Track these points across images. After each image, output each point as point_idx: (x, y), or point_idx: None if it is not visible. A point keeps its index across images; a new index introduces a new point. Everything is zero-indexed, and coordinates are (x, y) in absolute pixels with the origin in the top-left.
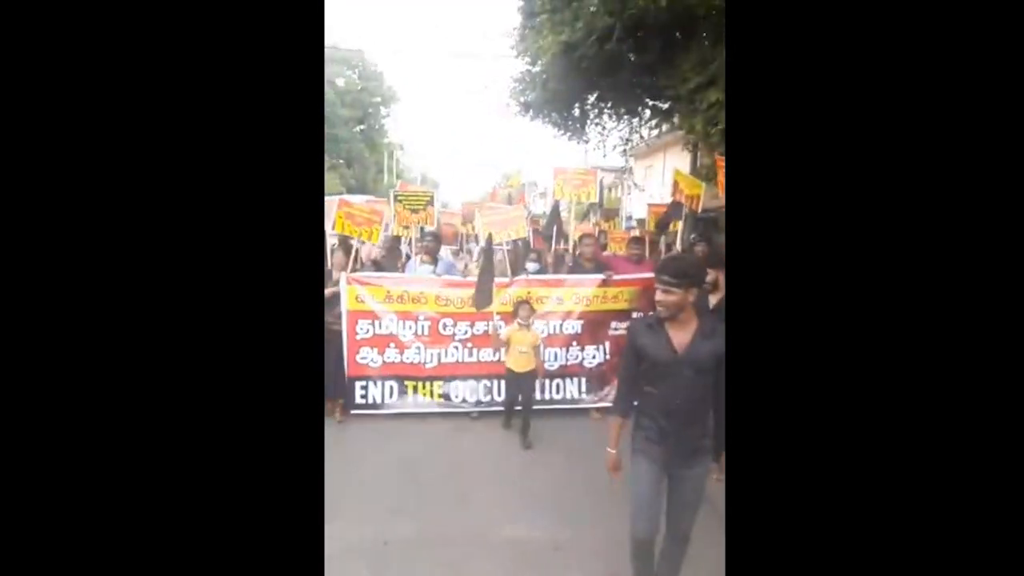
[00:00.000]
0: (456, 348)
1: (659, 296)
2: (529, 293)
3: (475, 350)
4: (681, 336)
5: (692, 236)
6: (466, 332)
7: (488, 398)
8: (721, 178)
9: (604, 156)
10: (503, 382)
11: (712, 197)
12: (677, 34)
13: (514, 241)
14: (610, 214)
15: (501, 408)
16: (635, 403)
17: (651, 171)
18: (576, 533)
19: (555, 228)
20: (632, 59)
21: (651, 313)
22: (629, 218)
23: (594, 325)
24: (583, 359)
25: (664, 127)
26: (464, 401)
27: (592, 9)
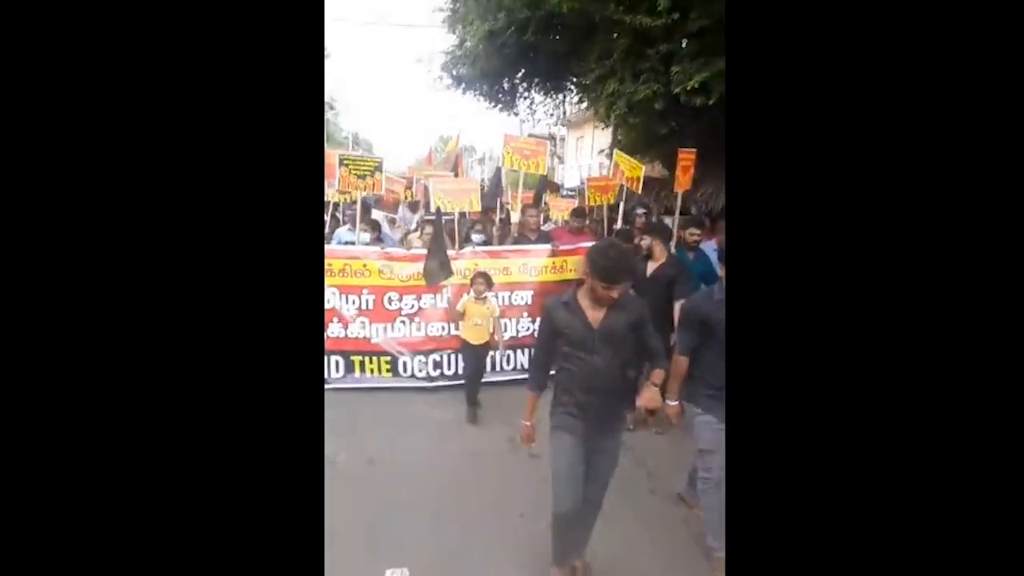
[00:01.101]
0: (403, 323)
1: (599, 292)
2: (476, 265)
3: (423, 324)
4: (596, 312)
5: (635, 209)
6: (412, 306)
7: (438, 372)
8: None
9: (533, 127)
10: (454, 355)
11: (653, 170)
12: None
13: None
14: (553, 186)
15: (451, 382)
16: (551, 376)
17: (582, 141)
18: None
19: (498, 198)
20: (549, 47)
21: (564, 291)
22: (563, 187)
23: (544, 296)
24: (534, 330)
25: (587, 102)
26: (413, 376)
27: (509, 2)
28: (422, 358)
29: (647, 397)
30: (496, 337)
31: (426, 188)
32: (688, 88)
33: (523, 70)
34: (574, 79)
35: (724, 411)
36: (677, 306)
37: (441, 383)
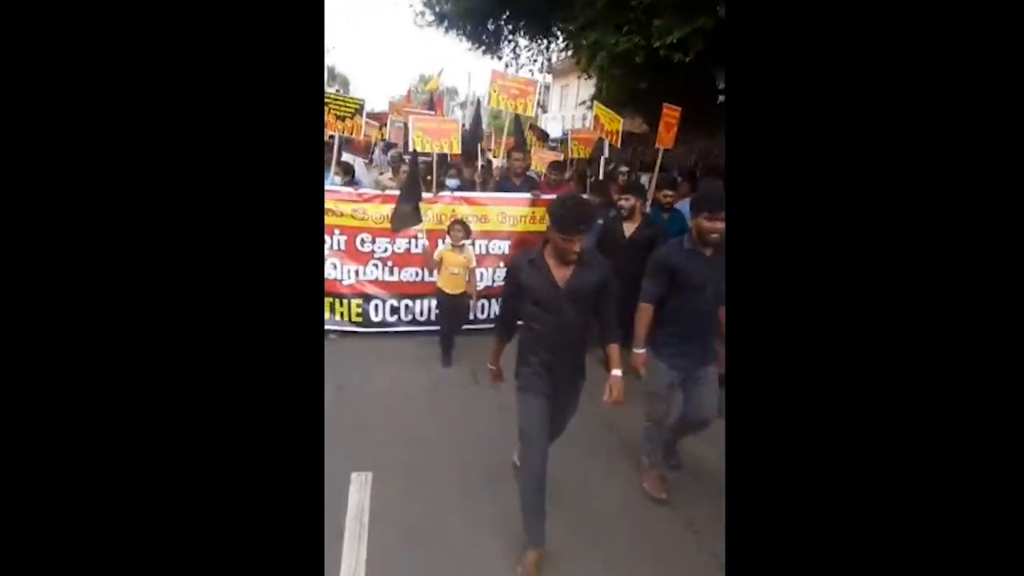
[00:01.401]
0: (376, 266)
1: (559, 245)
2: (453, 211)
3: (396, 268)
4: (562, 270)
5: (612, 166)
6: (386, 250)
7: (409, 318)
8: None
9: (517, 71)
10: (425, 302)
11: (633, 125)
12: None
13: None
14: (540, 132)
15: (421, 328)
16: (517, 331)
17: (567, 91)
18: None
19: (478, 141)
20: None
21: (531, 249)
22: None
23: (522, 246)
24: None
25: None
26: (384, 321)
27: None
28: (394, 302)
29: (615, 392)
30: (471, 286)
31: (403, 128)
32: (668, 43)
33: (508, 12)
34: (559, 25)
35: (682, 356)
36: None
37: (412, 328)
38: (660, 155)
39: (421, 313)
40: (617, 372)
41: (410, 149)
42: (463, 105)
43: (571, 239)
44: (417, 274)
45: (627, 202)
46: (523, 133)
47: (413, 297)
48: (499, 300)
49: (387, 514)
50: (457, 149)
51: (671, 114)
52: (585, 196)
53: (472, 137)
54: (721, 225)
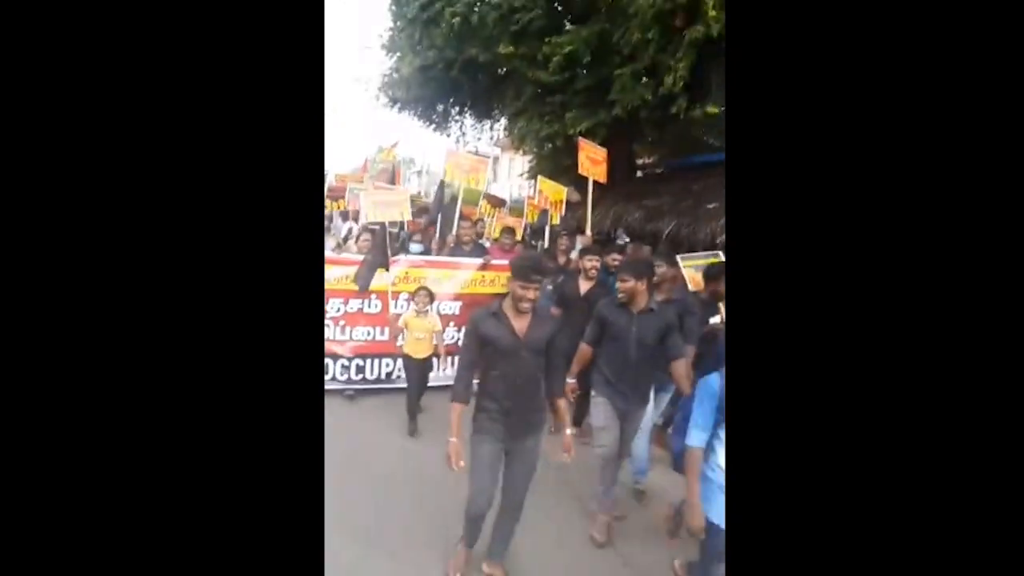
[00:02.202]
0: (328, 325)
1: (517, 292)
2: (407, 274)
3: (348, 328)
4: (520, 322)
5: (562, 232)
6: (339, 309)
7: (360, 377)
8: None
9: (463, 147)
10: (378, 361)
11: (571, 195)
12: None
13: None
14: (497, 200)
15: (374, 386)
16: (475, 386)
17: (513, 162)
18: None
19: (439, 212)
20: (474, 84)
21: (491, 304)
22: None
23: (472, 307)
24: (459, 339)
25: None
26: (334, 379)
27: (439, 42)
28: (344, 362)
29: (570, 451)
30: (439, 349)
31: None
32: (579, 131)
33: (452, 99)
34: (496, 111)
35: (617, 395)
36: None
37: (364, 387)
38: (589, 218)
39: (372, 371)
40: (568, 431)
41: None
42: (419, 173)
43: (527, 287)
44: (369, 333)
45: (589, 263)
46: (476, 203)
47: (365, 357)
48: (457, 358)
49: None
50: (408, 217)
51: (591, 151)
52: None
53: (436, 208)
54: (630, 285)
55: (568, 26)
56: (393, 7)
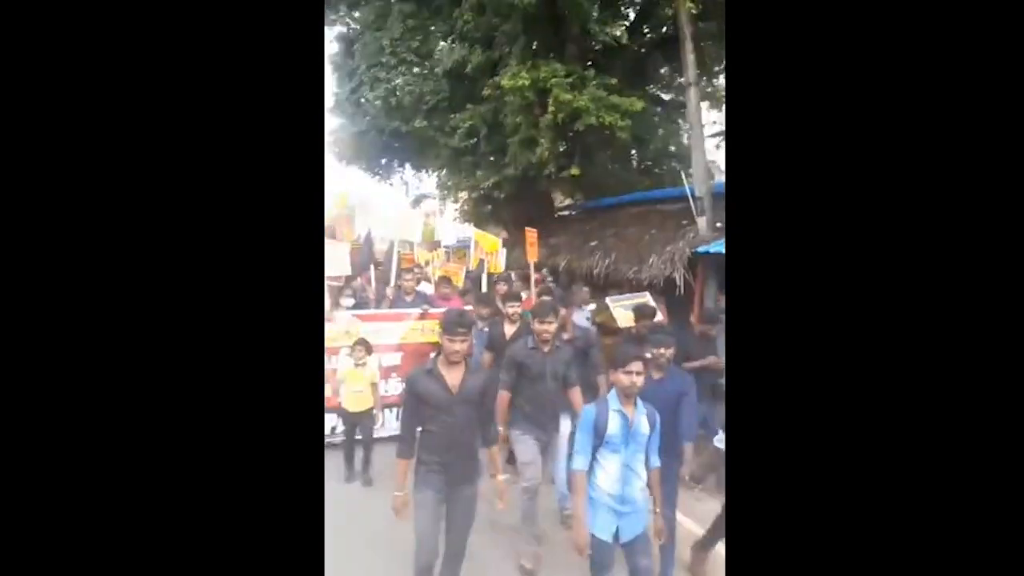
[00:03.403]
0: None
1: (447, 345)
2: (347, 331)
3: None
4: (453, 376)
5: (495, 279)
6: None
7: None
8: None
9: (408, 195)
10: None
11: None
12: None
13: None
14: (432, 246)
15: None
16: (416, 442)
17: (445, 212)
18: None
19: (368, 261)
20: (406, 145)
21: (426, 362)
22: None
23: (413, 356)
24: (404, 388)
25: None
26: None
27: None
28: None
29: (504, 498)
30: (375, 401)
31: None
32: (489, 185)
33: (387, 158)
34: (425, 169)
35: (537, 429)
36: None
37: None
38: (532, 267)
39: None
40: (501, 477)
41: None
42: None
43: (454, 339)
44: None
45: (511, 309)
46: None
47: None
48: (399, 416)
49: None
50: (347, 271)
51: (531, 235)
52: (469, 308)
53: (365, 258)
54: (549, 327)
55: (468, 106)
56: (335, 76)
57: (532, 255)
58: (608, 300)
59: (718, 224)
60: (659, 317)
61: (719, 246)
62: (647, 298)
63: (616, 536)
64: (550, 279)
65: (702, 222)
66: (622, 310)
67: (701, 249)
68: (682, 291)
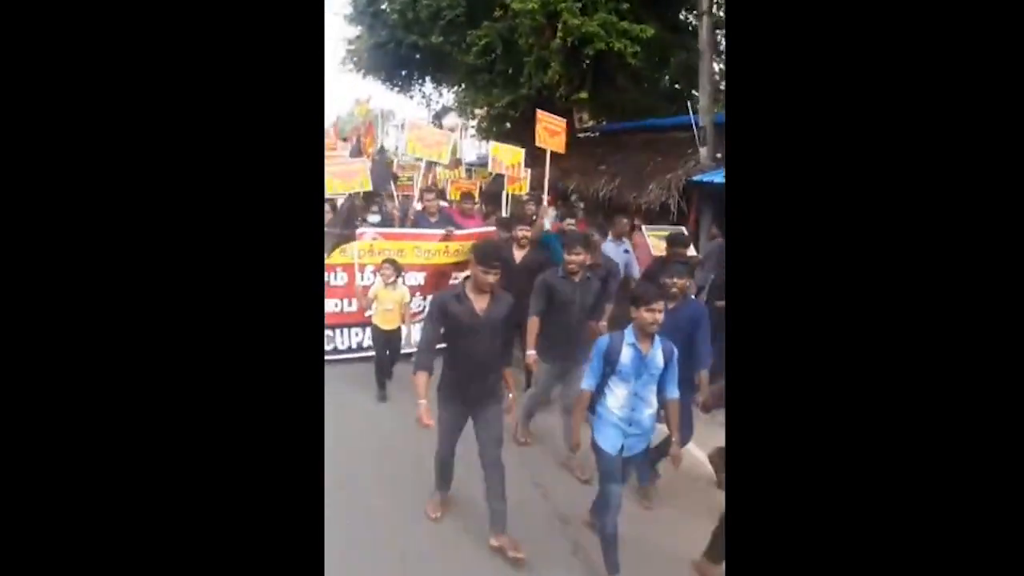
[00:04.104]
0: None
1: (479, 276)
2: (372, 246)
3: None
4: (481, 301)
5: (524, 198)
6: None
7: (331, 347)
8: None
9: (428, 108)
10: (347, 331)
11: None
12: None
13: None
14: (454, 163)
15: (347, 357)
16: (432, 356)
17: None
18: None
19: (388, 180)
20: (424, 61)
21: (453, 284)
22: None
23: (436, 277)
24: (425, 307)
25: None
26: None
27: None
28: None
29: (509, 408)
30: (406, 320)
31: None
32: (505, 104)
33: (406, 70)
34: (443, 84)
35: (561, 361)
36: None
37: (337, 357)
38: (548, 156)
39: (342, 343)
40: (511, 395)
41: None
42: (400, 127)
43: (488, 271)
44: (336, 305)
45: (521, 233)
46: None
47: (334, 327)
48: (420, 331)
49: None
50: (368, 187)
51: (549, 121)
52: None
53: (382, 177)
54: (579, 258)
55: (485, 23)
56: None
57: (556, 145)
58: (644, 228)
59: (718, 155)
60: (691, 250)
61: (715, 175)
62: (682, 230)
63: (621, 451)
64: (580, 204)
65: (703, 152)
66: (656, 239)
67: (695, 178)
68: (675, 217)
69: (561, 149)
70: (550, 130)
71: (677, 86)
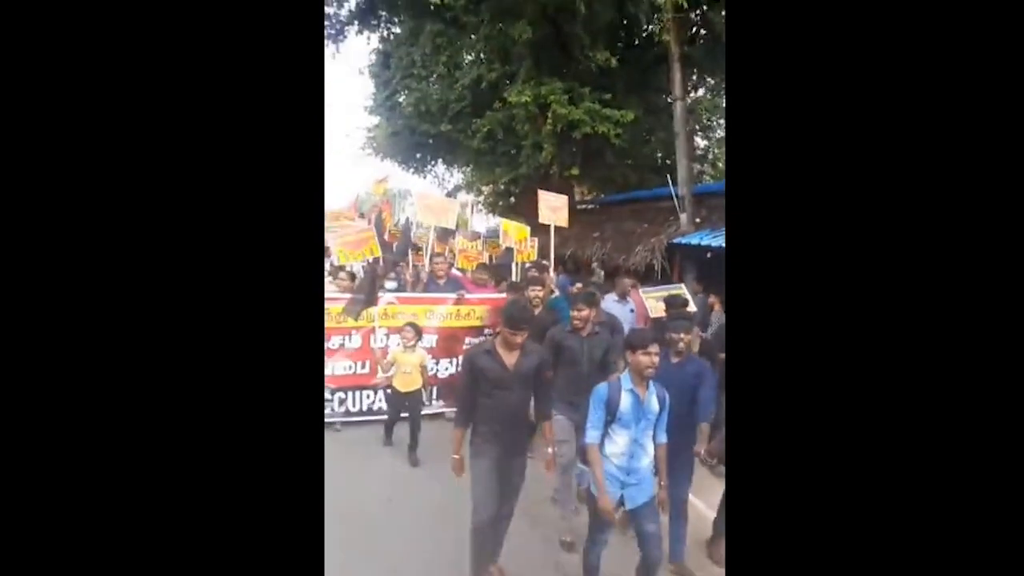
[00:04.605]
0: None
1: (508, 337)
2: (386, 310)
3: (329, 362)
4: (510, 356)
5: (527, 266)
6: None
7: (343, 409)
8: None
9: (441, 188)
10: (358, 394)
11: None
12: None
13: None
14: (473, 235)
15: (359, 419)
16: (472, 413)
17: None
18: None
19: (407, 247)
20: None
21: (482, 341)
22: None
23: (448, 340)
24: (436, 371)
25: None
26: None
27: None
28: (327, 395)
29: (548, 463)
30: (425, 382)
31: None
32: (507, 181)
33: (420, 154)
34: (453, 165)
35: (572, 410)
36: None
37: (345, 420)
38: (552, 243)
39: (354, 404)
40: (550, 450)
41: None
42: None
43: (516, 333)
44: (350, 367)
45: (534, 293)
46: (447, 241)
47: (347, 389)
48: (457, 391)
49: None
50: (378, 253)
51: (550, 200)
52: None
53: (404, 245)
54: (584, 313)
55: (488, 112)
56: (373, 82)
57: (560, 220)
58: (641, 291)
59: (697, 219)
60: (691, 307)
61: (694, 238)
62: (681, 289)
63: (621, 503)
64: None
65: (683, 218)
66: (654, 301)
67: (676, 240)
68: (659, 276)
69: (564, 223)
70: (552, 207)
71: (660, 160)
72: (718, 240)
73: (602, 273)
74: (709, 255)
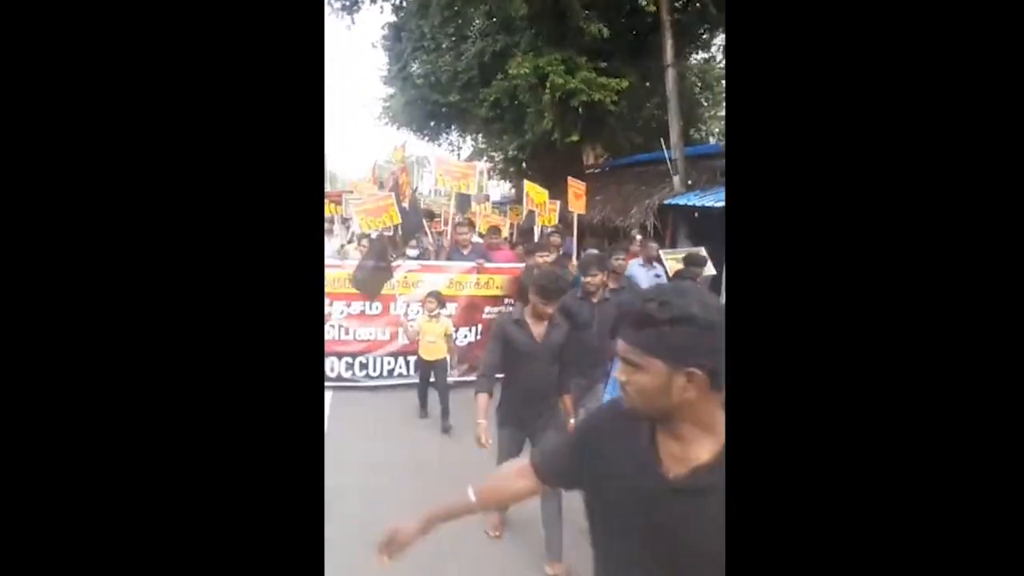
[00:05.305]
0: (331, 327)
1: (538, 307)
2: (406, 278)
3: (352, 329)
4: (539, 328)
5: (548, 230)
6: (342, 312)
7: (363, 373)
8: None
9: (457, 155)
10: (379, 359)
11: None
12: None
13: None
14: (482, 199)
15: (381, 384)
16: (497, 381)
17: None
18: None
19: (420, 216)
20: (451, 116)
21: (512, 310)
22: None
23: (468, 309)
24: (456, 339)
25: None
26: (339, 377)
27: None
28: (349, 359)
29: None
30: (452, 349)
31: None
32: (514, 148)
33: (434, 122)
34: (465, 133)
35: (580, 376)
36: None
37: (371, 384)
38: (575, 219)
39: (374, 368)
40: (571, 421)
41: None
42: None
43: (548, 304)
44: (371, 334)
45: (541, 259)
46: (468, 208)
47: (368, 355)
48: (483, 356)
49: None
50: (397, 220)
51: (576, 186)
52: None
53: (413, 216)
54: (596, 279)
55: (494, 82)
56: (386, 55)
57: (579, 207)
58: (662, 252)
59: (689, 181)
60: (710, 267)
61: (685, 199)
62: (701, 250)
63: None
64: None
65: (676, 180)
66: (674, 261)
67: (668, 201)
68: (652, 235)
69: (583, 211)
70: (576, 194)
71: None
72: (704, 200)
73: (638, 238)
74: (696, 215)
